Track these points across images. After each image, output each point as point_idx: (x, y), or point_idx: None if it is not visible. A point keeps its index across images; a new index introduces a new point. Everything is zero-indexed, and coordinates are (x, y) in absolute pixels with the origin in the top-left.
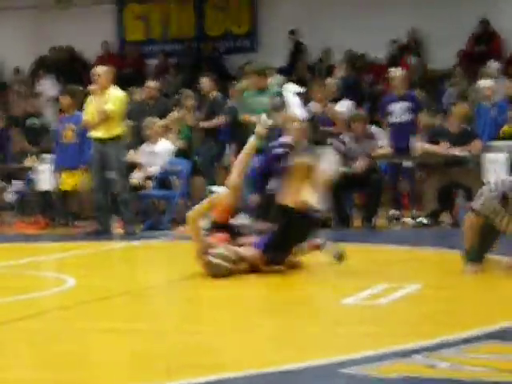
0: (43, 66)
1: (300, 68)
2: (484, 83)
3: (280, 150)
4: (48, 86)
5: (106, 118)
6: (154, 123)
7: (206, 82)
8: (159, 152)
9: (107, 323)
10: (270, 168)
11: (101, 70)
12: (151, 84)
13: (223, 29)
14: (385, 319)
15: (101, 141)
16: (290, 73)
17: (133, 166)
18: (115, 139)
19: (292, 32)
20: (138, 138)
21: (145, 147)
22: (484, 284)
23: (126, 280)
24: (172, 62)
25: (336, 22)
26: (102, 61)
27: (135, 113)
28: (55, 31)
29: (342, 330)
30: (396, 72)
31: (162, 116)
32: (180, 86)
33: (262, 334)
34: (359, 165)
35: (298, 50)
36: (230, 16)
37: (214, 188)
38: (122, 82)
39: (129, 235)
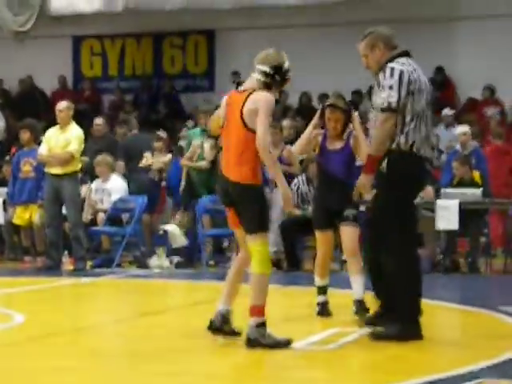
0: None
1: None
2: (461, 129)
3: None
4: None
5: (71, 159)
6: (105, 160)
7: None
8: (111, 188)
9: (54, 361)
10: None
11: (62, 106)
12: (98, 121)
13: (181, 67)
14: (334, 365)
15: (56, 176)
16: None
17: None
18: (71, 175)
19: (235, 73)
20: (91, 174)
21: (96, 184)
22: (434, 331)
23: (74, 317)
24: (128, 98)
25: (295, 65)
26: (58, 95)
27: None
28: (12, 62)
29: (288, 375)
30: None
31: (111, 152)
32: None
33: (210, 374)
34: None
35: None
36: (188, 55)
37: (167, 226)
38: (77, 117)
39: (79, 272)
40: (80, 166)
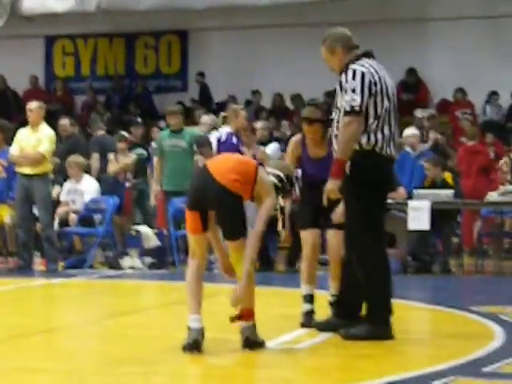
0: None
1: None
2: (408, 131)
3: None
4: None
5: (42, 160)
6: (76, 161)
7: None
8: (83, 189)
9: (22, 362)
10: None
11: (33, 106)
12: (63, 121)
13: (154, 68)
14: (304, 364)
15: (27, 176)
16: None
17: (57, 203)
18: (42, 175)
19: (200, 74)
20: (63, 174)
21: (69, 184)
22: (405, 331)
23: (44, 318)
24: (101, 99)
25: (268, 65)
26: (29, 95)
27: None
28: None
29: (258, 374)
30: None
31: (79, 153)
32: (107, 123)
33: (182, 374)
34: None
35: (203, 92)
36: (161, 55)
37: (140, 227)
38: (49, 117)
39: (51, 272)
40: (51, 166)
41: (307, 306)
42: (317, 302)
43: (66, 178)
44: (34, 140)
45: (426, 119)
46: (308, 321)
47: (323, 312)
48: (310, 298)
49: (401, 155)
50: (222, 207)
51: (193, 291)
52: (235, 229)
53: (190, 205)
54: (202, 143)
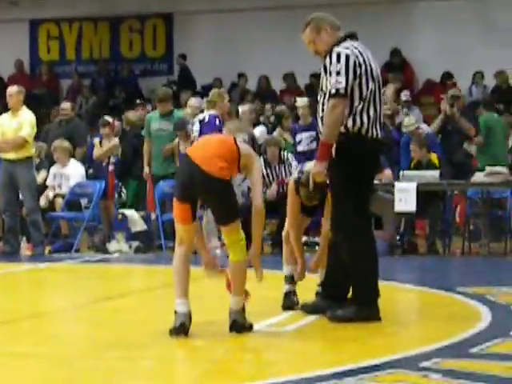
0: None
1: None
2: (409, 121)
3: None
4: None
5: (24, 144)
6: (62, 145)
7: None
8: (69, 174)
9: (11, 347)
10: None
11: (12, 91)
12: (64, 105)
13: (139, 51)
14: (291, 346)
15: (11, 161)
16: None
17: (43, 188)
18: (25, 160)
19: (182, 56)
20: (50, 159)
21: (55, 169)
22: (392, 312)
23: (33, 303)
24: (86, 82)
25: (253, 47)
26: (14, 80)
27: (50, 134)
28: None
29: (245, 356)
30: (301, 101)
31: (74, 138)
32: (93, 107)
33: (170, 358)
34: (271, 191)
35: (183, 74)
36: (146, 38)
37: (126, 211)
38: (35, 102)
39: (38, 257)
40: (34, 150)
41: (287, 287)
42: (302, 285)
43: (52, 162)
44: (15, 125)
45: (449, 99)
46: (288, 301)
47: (310, 294)
48: (290, 279)
49: (406, 138)
50: (211, 195)
51: (180, 276)
52: (227, 214)
53: (180, 196)
54: (179, 126)
